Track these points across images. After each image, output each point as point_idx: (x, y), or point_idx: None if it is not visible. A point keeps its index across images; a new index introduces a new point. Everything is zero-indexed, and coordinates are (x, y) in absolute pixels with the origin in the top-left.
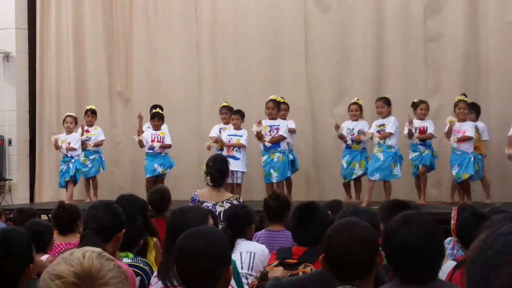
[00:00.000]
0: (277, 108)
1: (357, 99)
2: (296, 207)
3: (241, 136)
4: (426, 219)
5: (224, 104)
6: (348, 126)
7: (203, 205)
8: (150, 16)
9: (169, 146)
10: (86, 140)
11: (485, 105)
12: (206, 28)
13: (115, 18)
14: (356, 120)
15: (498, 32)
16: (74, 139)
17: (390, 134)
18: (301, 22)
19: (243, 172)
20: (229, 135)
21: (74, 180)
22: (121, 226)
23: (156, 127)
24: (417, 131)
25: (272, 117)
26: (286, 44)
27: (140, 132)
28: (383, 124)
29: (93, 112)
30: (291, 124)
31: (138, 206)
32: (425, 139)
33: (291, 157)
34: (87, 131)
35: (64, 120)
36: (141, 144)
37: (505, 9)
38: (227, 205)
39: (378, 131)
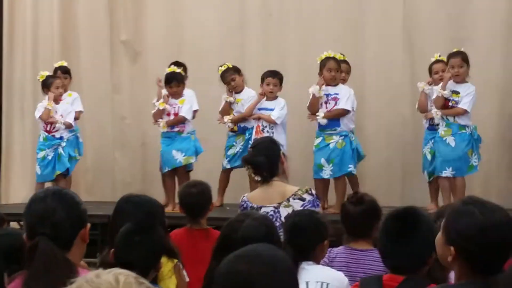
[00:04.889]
0: (340, 69)
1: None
2: (389, 215)
3: (273, 109)
4: None
5: (223, 68)
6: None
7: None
8: None
9: (182, 120)
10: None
11: None
12: None
13: None
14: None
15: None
16: (65, 110)
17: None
18: None
19: None
20: (261, 109)
21: (66, 173)
22: (83, 220)
23: (175, 95)
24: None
25: (335, 83)
26: None
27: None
28: None
29: (65, 72)
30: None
31: (155, 211)
32: None
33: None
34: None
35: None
36: (158, 115)
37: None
38: (296, 204)
39: None
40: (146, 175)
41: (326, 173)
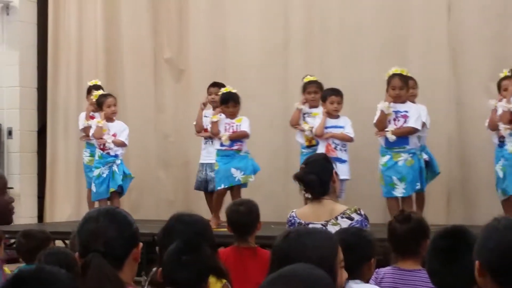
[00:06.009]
0: (406, 87)
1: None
2: (437, 234)
3: (343, 127)
4: None
5: (310, 78)
6: None
7: None
8: None
9: (245, 135)
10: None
11: None
12: None
13: None
14: None
15: None
16: (119, 128)
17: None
18: None
19: (346, 180)
20: (328, 127)
21: (120, 191)
22: (135, 239)
23: (232, 115)
24: None
25: (401, 100)
26: None
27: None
28: None
29: (98, 90)
30: (423, 111)
31: (204, 230)
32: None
33: (425, 157)
34: (92, 117)
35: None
36: (199, 127)
37: None
38: (343, 222)
39: None
40: (189, 194)
41: (399, 191)
